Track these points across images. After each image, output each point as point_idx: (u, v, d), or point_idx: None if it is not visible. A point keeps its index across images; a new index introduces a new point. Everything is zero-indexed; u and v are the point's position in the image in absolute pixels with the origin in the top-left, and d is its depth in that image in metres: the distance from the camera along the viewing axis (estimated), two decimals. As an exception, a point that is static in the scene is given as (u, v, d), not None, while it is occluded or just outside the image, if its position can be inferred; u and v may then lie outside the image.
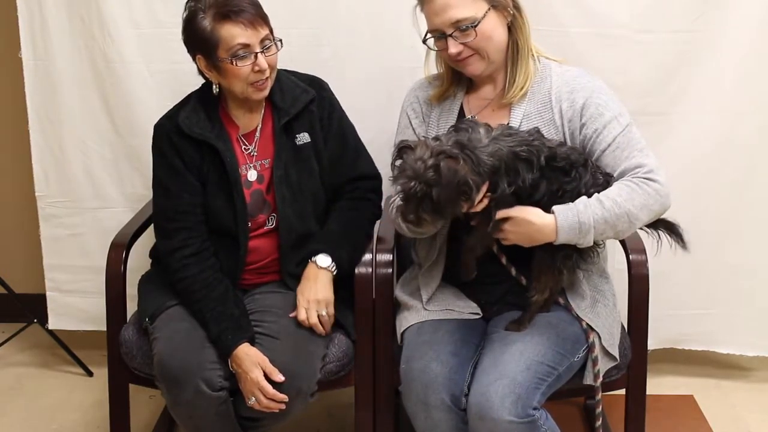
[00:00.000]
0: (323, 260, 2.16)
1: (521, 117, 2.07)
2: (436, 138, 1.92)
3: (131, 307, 2.30)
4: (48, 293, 2.92)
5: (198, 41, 2.10)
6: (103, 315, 2.25)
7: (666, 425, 2.62)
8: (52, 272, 2.90)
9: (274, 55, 2.13)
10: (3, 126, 3.08)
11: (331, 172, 2.27)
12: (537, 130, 1.98)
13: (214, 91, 2.18)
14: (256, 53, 2.08)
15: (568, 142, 2.04)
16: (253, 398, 2.02)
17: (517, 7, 2.07)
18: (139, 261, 2.38)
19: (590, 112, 2.02)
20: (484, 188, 1.88)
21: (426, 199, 1.83)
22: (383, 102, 2.37)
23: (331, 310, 2.14)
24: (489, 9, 2.02)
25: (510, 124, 2.03)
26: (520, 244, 1.97)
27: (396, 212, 1.93)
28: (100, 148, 2.76)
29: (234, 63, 2.08)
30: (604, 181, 1.98)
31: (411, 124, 2.18)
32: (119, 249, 2.27)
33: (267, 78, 2.13)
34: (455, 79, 2.16)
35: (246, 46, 2.07)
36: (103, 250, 2.30)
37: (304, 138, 2.23)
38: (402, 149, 1.90)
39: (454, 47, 2.03)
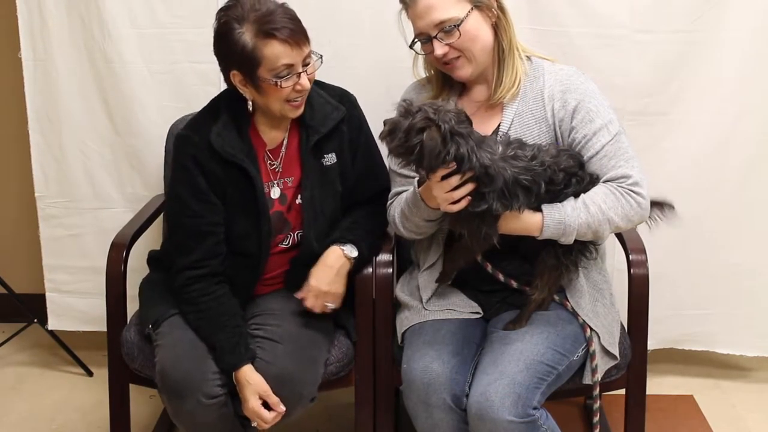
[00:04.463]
0: (351, 250, 2.14)
1: (513, 116, 2.08)
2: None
3: (131, 307, 2.30)
4: (48, 293, 2.92)
5: (237, 58, 2.01)
6: (103, 315, 2.25)
7: (666, 425, 2.62)
8: (51, 272, 2.90)
9: (313, 73, 2.08)
10: (3, 126, 3.08)
11: (356, 188, 2.24)
12: (539, 148, 1.98)
13: (249, 108, 2.11)
14: (299, 73, 2.02)
15: (559, 141, 2.05)
16: (256, 423, 2.02)
17: (501, 8, 2.07)
18: (139, 261, 2.38)
19: (581, 116, 2.02)
20: (470, 187, 1.89)
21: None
22: (383, 102, 2.36)
23: (339, 304, 2.13)
24: (472, 9, 2.02)
25: (521, 139, 2.02)
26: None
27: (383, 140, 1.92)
28: (100, 148, 2.75)
29: (278, 84, 2.00)
30: (596, 178, 2.00)
31: None
32: (119, 249, 2.27)
33: (304, 94, 2.08)
34: (446, 84, 2.17)
35: (290, 66, 2.00)
36: (103, 251, 2.29)
37: (331, 159, 2.18)
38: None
39: (439, 49, 2.03)
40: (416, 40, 2.08)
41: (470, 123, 1.92)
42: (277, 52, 1.98)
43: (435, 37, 2.02)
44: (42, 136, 2.77)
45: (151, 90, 2.67)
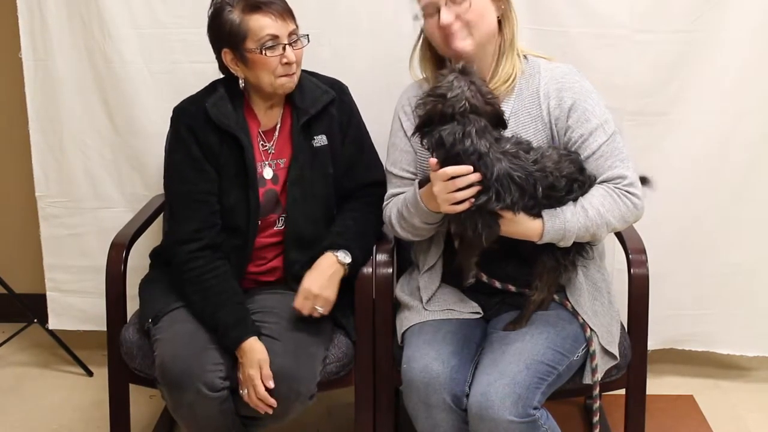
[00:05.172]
0: (344, 256, 2.15)
1: (509, 114, 2.07)
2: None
3: (131, 307, 2.30)
4: (48, 293, 2.92)
5: (226, 35, 2.11)
6: (103, 315, 2.25)
7: (666, 425, 2.62)
8: (52, 272, 2.90)
9: (300, 50, 2.15)
10: (3, 126, 3.08)
11: (345, 177, 2.27)
12: (542, 153, 1.97)
13: (241, 86, 2.19)
14: (284, 45, 2.10)
15: (555, 139, 2.05)
16: (246, 390, 2.02)
17: (508, 1, 2.07)
18: (139, 261, 2.38)
19: (577, 116, 2.02)
20: (474, 176, 1.89)
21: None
22: (383, 101, 2.37)
23: (328, 310, 2.12)
24: None
25: (528, 141, 2.03)
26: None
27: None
28: (100, 148, 2.76)
29: (263, 53, 2.08)
30: (595, 180, 2.01)
31: (402, 127, 2.17)
32: (119, 249, 2.27)
33: (293, 73, 2.14)
34: None
35: (275, 37, 2.08)
36: (103, 250, 2.30)
37: (321, 140, 2.23)
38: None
39: (447, 15, 1.99)
40: (419, 16, 2.06)
41: (499, 124, 1.95)
42: (261, 23, 2.08)
43: (444, 5, 2.00)
44: (42, 136, 2.77)
45: (151, 90, 2.67)
